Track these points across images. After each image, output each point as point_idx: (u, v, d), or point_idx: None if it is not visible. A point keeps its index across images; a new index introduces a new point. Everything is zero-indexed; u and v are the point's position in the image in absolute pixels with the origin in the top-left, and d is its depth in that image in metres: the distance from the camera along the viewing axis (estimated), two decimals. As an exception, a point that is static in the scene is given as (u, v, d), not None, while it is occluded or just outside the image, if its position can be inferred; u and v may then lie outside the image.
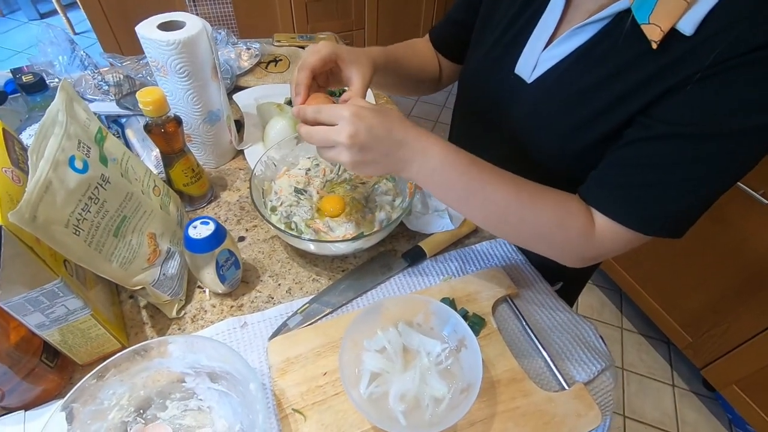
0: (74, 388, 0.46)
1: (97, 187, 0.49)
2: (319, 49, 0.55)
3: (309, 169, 0.72)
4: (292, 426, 0.50)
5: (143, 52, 0.92)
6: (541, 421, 0.51)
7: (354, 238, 0.62)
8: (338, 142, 0.47)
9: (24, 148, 0.54)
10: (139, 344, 0.49)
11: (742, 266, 1.25)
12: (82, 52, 0.88)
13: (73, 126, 0.48)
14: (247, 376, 0.48)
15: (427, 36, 0.81)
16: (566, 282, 0.75)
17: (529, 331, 0.60)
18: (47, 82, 0.74)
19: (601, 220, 0.52)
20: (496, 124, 0.67)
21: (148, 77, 0.88)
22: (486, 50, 0.67)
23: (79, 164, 0.47)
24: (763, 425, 1.31)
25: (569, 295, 0.83)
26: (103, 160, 0.51)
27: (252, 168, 0.68)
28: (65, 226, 0.45)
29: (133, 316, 0.61)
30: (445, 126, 2.60)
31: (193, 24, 0.67)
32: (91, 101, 0.88)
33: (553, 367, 0.56)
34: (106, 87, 0.88)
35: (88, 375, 0.46)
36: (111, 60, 0.94)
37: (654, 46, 0.46)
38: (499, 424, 0.51)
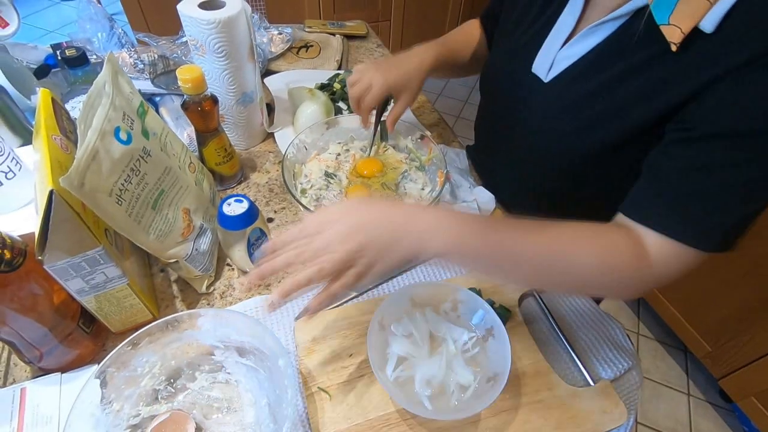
0: (110, 353, 0.47)
1: (138, 159, 0.50)
2: (372, 87, 0.63)
3: (339, 154, 0.73)
4: (317, 404, 0.51)
5: (173, 32, 0.93)
6: (566, 415, 0.51)
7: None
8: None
9: (71, 119, 0.55)
10: (172, 315, 0.50)
11: (770, 276, 1.22)
12: (120, 30, 0.90)
13: (118, 98, 0.49)
14: (276, 351, 0.49)
15: (478, 20, 0.81)
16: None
17: (555, 326, 0.60)
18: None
19: (653, 241, 0.47)
20: (514, 123, 0.67)
21: (183, 57, 0.90)
22: (505, 49, 0.66)
23: (123, 135, 0.48)
24: (781, 440, 1.28)
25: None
26: (145, 133, 0.52)
27: (284, 151, 0.68)
28: (109, 195, 0.46)
29: (164, 289, 0.62)
30: (468, 122, 2.58)
31: (233, 4, 0.67)
32: (126, 79, 0.89)
33: (579, 363, 0.56)
34: (142, 66, 0.90)
35: (124, 342, 0.48)
36: (146, 39, 0.95)
37: (674, 48, 0.44)
38: (523, 416, 0.51)
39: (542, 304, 0.62)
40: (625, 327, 1.70)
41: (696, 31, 0.43)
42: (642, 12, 0.47)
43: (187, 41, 0.91)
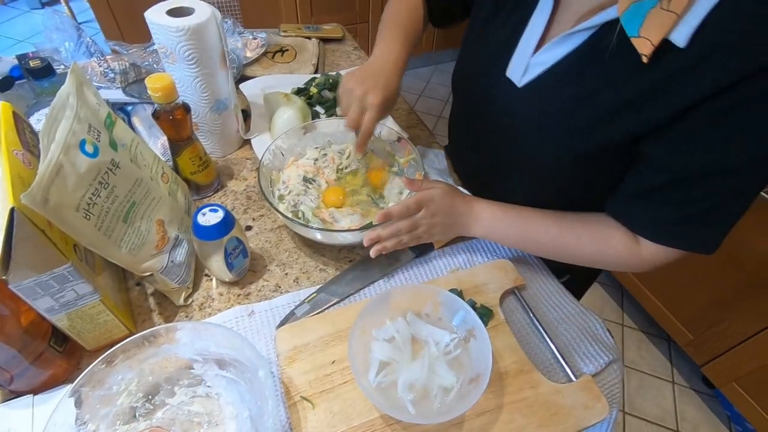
0: (83, 372, 0.46)
1: (107, 172, 0.49)
2: (366, 110, 0.64)
3: (317, 159, 0.72)
4: (300, 413, 0.50)
5: (147, 40, 0.92)
6: (549, 412, 0.51)
7: (362, 228, 0.61)
8: (422, 221, 0.59)
9: (34, 132, 0.53)
10: (148, 330, 0.49)
11: (746, 264, 1.25)
12: (88, 39, 0.88)
13: (83, 110, 0.48)
14: (256, 362, 0.48)
15: None
16: (573, 276, 0.75)
17: (537, 323, 0.60)
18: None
19: (645, 242, 0.56)
20: (489, 129, 0.67)
21: (155, 65, 0.88)
22: (478, 51, 0.66)
23: (89, 148, 0.47)
24: (762, 422, 1.31)
25: (576, 290, 0.84)
26: (113, 145, 0.51)
27: (260, 157, 0.67)
28: (76, 210, 0.45)
29: (141, 303, 0.61)
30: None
31: (202, 10, 0.66)
32: (97, 89, 0.87)
33: (561, 359, 0.57)
34: (112, 75, 0.88)
35: (98, 360, 0.46)
36: (117, 48, 0.93)
37: (645, 60, 0.44)
38: (507, 415, 0.51)
39: (523, 302, 0.63)
40: (610, 318, 1.73)
41: (669, 45, 0.43)
42: (612, 24, 0.47)
43: (156, 49, 0.90)
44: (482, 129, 0.69)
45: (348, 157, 0.72)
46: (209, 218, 0.55)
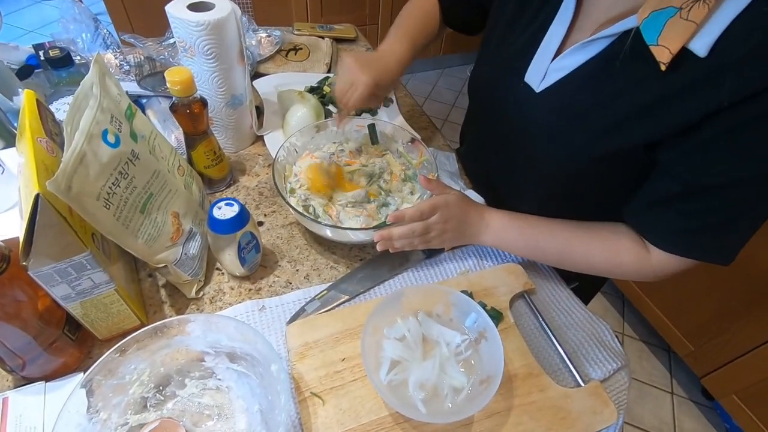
0: (98, 361, 0.46)
1: (127, 162, 0.49)
2: (357, 86, 0.65)
3: (333, 153, 0.73)
4: (310, 409, 0.50)
5: (158, 34, 0.92)
6: (557, 416, 0.51)
7: (375, 227, 0.62)
8: (435, 226, 0.60)
9: (56, 121, 0.54)
10: (160, 321, 0.49)
11: (750, 277, 1.26)
12: (105, 31, 0.88)
13: (106, 100, 0.48)
14: (268, 357, 0.48)
15: None
16: (582, 284, 0.75)
17: (546, 327, 0.60)
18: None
19: (656, 252, 0.56)
20: (505, 133, 0.68)
21: (170, 59, 0.88)
22: (496, 56, 0.66)
23: (111, 138, 0.47)
24: (760, 436, 1.31)
25: (583, 298, 0.84)
26: (134, 136, 0.52)
27: (275, 153, 0.68)
28: (96, 198, 0.45)
29: (152, 295, 0.61)
30: (455, 125, 2.60)
31: (222, 6, 0.66)
32: (111, 80, 0.88)
33: (569, 364, 0.57)
34: (128, 67, 0.88)
35: (112, 349, 0.47)
36: (132, 40, 0.94)
37: (663, 68, 0.44)
38: (515, 418, 0.51)
39: (533, 306, 0.63)
40: (610, 328, 1.73)
41: (688, 54, 0.43)
42: (631, 33, 0.47)
43: (174, 43, 0.90)
44: (498, 133, 0.69)
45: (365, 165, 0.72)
46: (225, 212, 0.56)
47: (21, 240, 0.40)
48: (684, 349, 1.48)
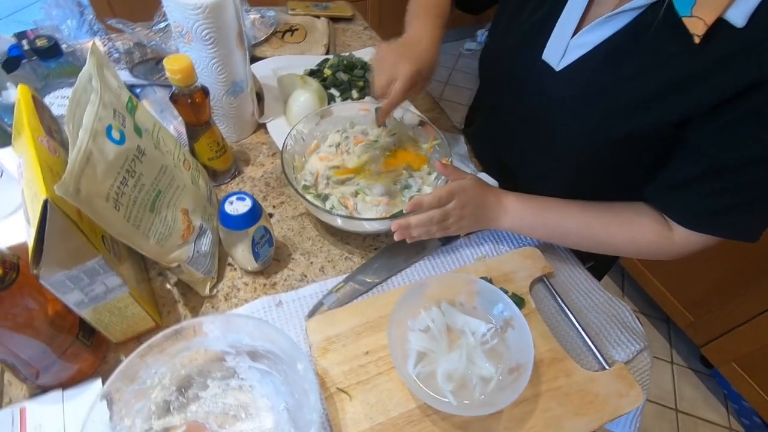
0: (116, 370, 0.44)
1: (134, 159, 0.46)
2: (396, 79, 0.60)
3: (339, 144, 0.70)
4: (337, 405, 0.50)
5: (142, 18, 0.87)
6: (585, 400, 0.51)
7: (392, 216, 0.60)
8: (453, 212, 0.58)
9: (54, 117, 0.51)
10: (179, 324, 0.48)
11: (748, 249, 1.27)
12: (90, 16, 0.83)
13: (107, 94, 0.45)
14: (292, 354, 0.47)
15: None
16: (596, 263, 0.74)
17: (567, 310, 0.60)
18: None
19: (680, 230, 0.55)
20: (521, 114, 0.65)
21: (162, 44, 0.84)
22: (510, 34, 0.64)
23: (116, 134, 0.44)
24: (758, 400, 1.35)
25: (597, 276, 0.84)
26: (138, 130, 0.49)
27: (277, 142, 0.65)
28: (106, 200, 0.43)
29: (164, 294, 0.59)
30: (450, 103, 2.55)
31: (219, -13, 0.62)
32: (101, 69, 0.84)
33: (593, 347, 0.57)
34: (117, 55, 0.84)
35: (132, 355, 0.45)
36: (120, 26, 0.89)
37: (696, 40, 0.43)
38: (544, 404, 0.51)
39: (553, 290, 0.62)
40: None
41: (724, 25, 0.41)
42: (660, 4, 0.45)
43: (165, 27, 0.86)
44: (514, 115, 0.67)
45: (376, 140, 0.70)
46: (237, 207, 0.53)
47: (30, 247, 0.37)
48: (684, 320, 1.51)
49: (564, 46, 0.55)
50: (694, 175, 0.51)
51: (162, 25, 0.86)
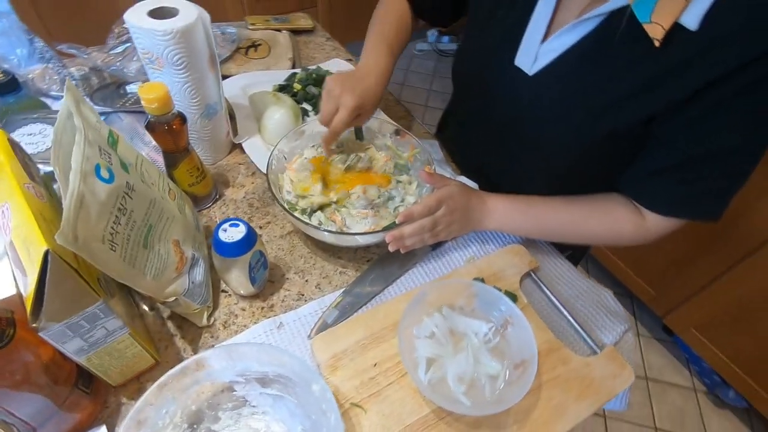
0: (128, 416, 0.43)
1: (124, 197, 0.45)
2: (339, 109, 0.63)
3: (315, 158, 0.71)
4: (353, 420, 0.50)
5: (81, 40, 0.83)
6: (583, 384, 0.55)
7: (384, 229, 0.61)
8: (442, 219, 0.60)
9: (32, 160, 0.48)
10: (184, 362, 0.47)
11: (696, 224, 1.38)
12: (40, 43, 0.79)
13: (90, 132, 0.44)
14: (306, 377, 0.47)
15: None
16: (573, 251, 0.79)
17: (556, 301, 0.63)
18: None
19: (652, 216, 0.59)
20: (496, 119, 0.68)
21: (123, 69, 0.81)
22: (482, 42, 0.66)
23: (104, 173, 0.43)
24: (716, 360, 1.47)
25: (574, 262, 0.89)
26: (124, 166, 0.47)
27: (265, 162, 0.65)
28: (102, 242, 0.41)
29: (159, 329, 0.57)
30: (435, 110, 2.58)
31: (187, 10, 0.61)
32: (57, 98, 0.79)
33: (583, 334, 0.60)
34: (74, 82, 0.80)
35: (140, 400, 0.44)
36: (73, 51, 0.84)
37: (657, 44, 0.47)
38: (547, 393, 0.54)
39: (540, 283, 0.66)
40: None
41: (680, 29, 0.45)
42: (622, 10, 0.48)
43: (123, 51, 0.83)
44: (492, 118, 0.70)
45: (353, 157, 0.71)
46: (232, 234, 0.53)
47: (29, 301, 0.36)
48: (647, 294, 1.61)
49: (535, 52, 0.58)
50: (667, 165, 0.55)
51: (120, 48, 0.82)
